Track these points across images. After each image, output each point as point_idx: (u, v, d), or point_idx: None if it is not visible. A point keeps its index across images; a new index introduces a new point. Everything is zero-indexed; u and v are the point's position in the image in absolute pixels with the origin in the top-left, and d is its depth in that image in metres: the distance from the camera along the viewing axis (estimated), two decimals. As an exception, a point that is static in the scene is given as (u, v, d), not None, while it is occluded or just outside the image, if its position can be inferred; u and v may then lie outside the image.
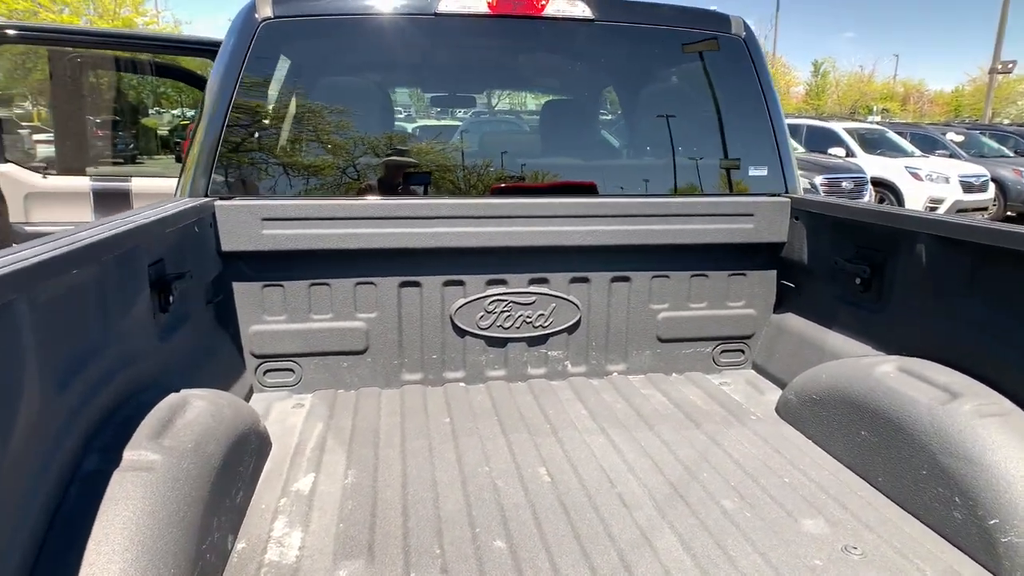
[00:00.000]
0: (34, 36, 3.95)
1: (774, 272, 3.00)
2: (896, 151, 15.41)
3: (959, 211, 13.71)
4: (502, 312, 2.83)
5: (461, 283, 2.78)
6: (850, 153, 14.64)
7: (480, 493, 1.99)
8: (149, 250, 1.98)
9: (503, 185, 2.84)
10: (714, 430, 2.43)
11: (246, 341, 2.69)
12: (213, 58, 2.77)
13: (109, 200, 3.45)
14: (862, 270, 2.50)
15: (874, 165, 14.15)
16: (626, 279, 2.90)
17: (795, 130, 16.10)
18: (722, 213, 2.84)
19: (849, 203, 2.89)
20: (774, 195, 2.91)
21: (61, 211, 3.50)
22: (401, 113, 2.99)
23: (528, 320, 2.86)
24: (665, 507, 1.93)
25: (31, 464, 1.32)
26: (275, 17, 2.59)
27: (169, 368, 2.05)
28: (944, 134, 18.09)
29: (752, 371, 3.06)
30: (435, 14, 2.70)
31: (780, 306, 3.03)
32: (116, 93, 4.76)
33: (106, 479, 1.44)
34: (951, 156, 16.41)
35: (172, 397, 1.80)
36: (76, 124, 4.13)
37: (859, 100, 56.69)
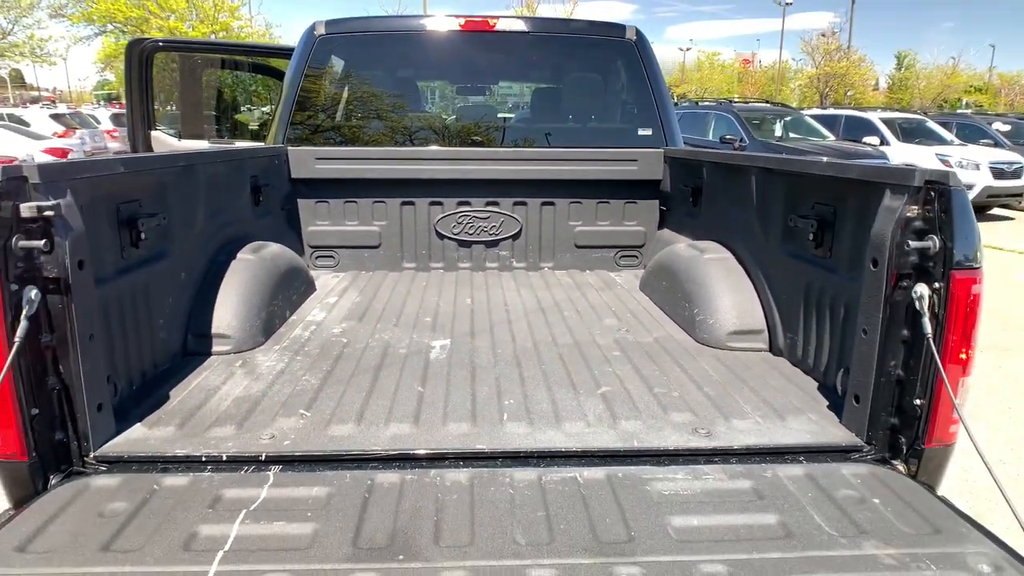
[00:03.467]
0: (176, 47, 5.72)
1: (656, 201, 4.33)
2: (933, 140, 15.88)
3: (989, 196, 14.17)
4: (467, 224, 4.28)
5: (441, 203, 4.26)
6: (884, 142, 15.25)
7: (427, 306, 3.47)
8: (251, 167, 3.56)
9: (473, 138, 4.32)
10: (587, 290, 3.82)
11: (305, 236, 4.25)
12: None
13: None
14: (688, 191, 3.82)
15: (906, 153, 14.73)
16: (552, 204, 4.30)
17: (833, 121, 16.76)
18: (615, 159, 4.19)
19: (677, 149, 4.18)
20: (654, 148, 4.24)
21: None
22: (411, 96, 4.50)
23: (485, 229, 4.30)
24: (530, 314, 3.35)
25: (200, 248, 2.89)
26: (327, 34, 4.14)
27: (260, 237, 3.62)
28: (991, 124, 18.23)
29: (642, 271, 4.39)
30: (426, 30, 4.20)
31: (661, 225, 4.35)
32: (216, 92, 6.39)
33: (227, 264, 3.01)
34: (996, 145, 16.70)
35: (260, 243, 3.36)
36: (196, 105, 5.89)
37: (942, 93, 54.46)
